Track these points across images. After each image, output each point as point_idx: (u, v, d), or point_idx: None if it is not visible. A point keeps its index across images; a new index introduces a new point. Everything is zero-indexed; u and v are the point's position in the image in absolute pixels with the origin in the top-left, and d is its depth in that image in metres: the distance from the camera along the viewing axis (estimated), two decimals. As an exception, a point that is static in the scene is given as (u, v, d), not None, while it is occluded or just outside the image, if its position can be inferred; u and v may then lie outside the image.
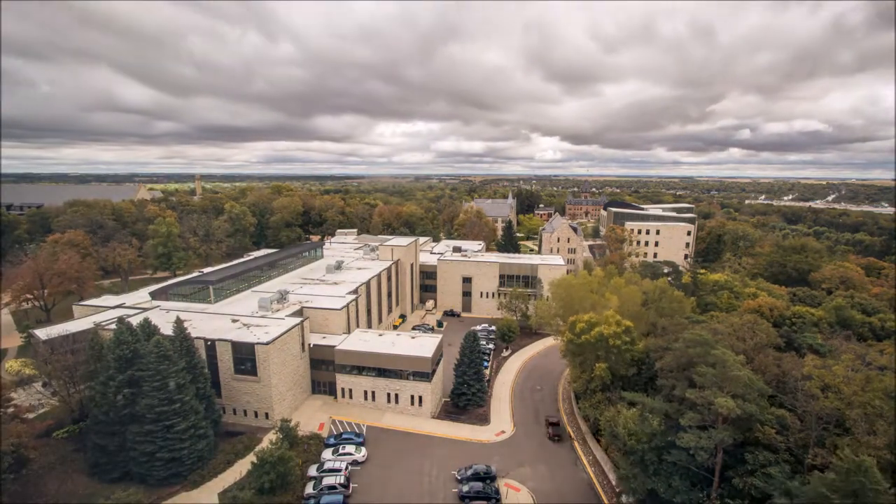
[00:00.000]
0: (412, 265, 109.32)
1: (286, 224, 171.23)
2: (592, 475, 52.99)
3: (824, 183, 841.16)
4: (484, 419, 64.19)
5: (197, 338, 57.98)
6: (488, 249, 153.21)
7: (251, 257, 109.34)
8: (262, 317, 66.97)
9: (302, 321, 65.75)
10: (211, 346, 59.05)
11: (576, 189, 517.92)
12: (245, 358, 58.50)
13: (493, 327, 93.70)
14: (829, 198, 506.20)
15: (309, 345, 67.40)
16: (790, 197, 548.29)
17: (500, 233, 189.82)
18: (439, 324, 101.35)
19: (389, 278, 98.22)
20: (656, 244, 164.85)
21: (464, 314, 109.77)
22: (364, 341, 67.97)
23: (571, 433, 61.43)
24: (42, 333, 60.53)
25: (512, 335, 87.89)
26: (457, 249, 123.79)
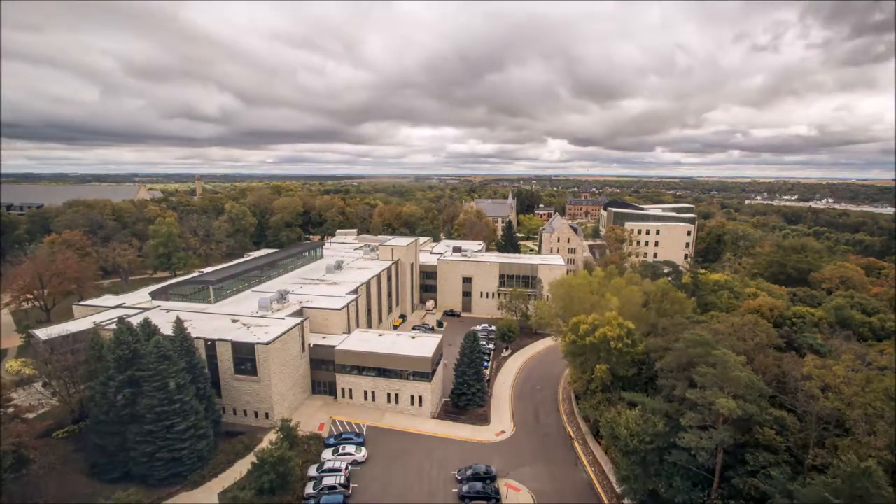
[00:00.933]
0: (412, 265, 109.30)
1: (286, 224, 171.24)
2: (592, 475, 52.98)
3: (824, 183, 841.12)
4: (484, 419, 64.17)
5: (197, 338, 57.96)
6: (488, 249, 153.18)
7: (251, 257, 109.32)
8: (262, 317, 66.95)
9: (302, 321, 65.74)
10: (211, 346, 59.04)
11: (576, 189, 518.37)
12: (245, 358, 58.48)
13: (493, 327, 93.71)
14: (822, 200, 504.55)
15: (309, 345, 67.39)
16: (790, 197, 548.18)
17: (500, 233, 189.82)
18: (439, 324, 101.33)
19: (389, 278, 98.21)
20: (656, 244, 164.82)
21: (464, 314, 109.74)
22: (364, 341, 67.96)
23: (571, 433, 61.42)
24: (42, 333, 60.48)
25: (512, 335, 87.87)
26: (457, 249, 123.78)
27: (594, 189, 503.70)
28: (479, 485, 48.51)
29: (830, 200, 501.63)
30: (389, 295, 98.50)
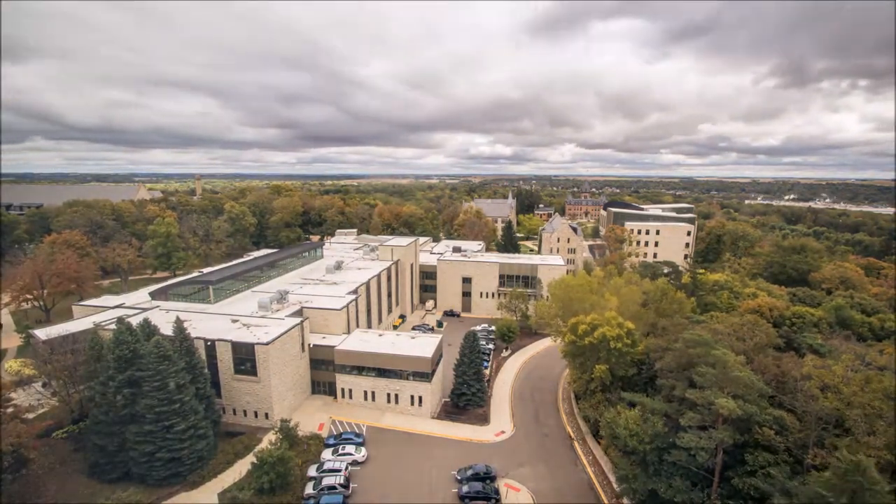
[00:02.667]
0: (412, 265, 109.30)
1: (286, 224, 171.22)
2: (592, 475, 53.00)
3: (824, 183, 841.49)
4: (484, 419, 64.19)
5: (197, 338, 57.98)
6: (488, 249, 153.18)
7: (251, 257, 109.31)
8: (262, 317, 66.95)
9: (302, 321, 65.75)
10: (211, 346, 59.04)
11: (576, 189, 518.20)
12: (245, 358, 58.49)
13: (493, 327, 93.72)
14: (822, 200, 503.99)
15: (309, 345, 67.39)
16: (790, 197, 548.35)
17: (499, 233, 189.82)
18: (439, 324, 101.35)
19: (389, 278, 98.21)
20: (656, 244, 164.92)
21: (464, 314, 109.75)
22: (364, 341, 67.96)
23: (571, 433, 61.45)
24: (42, 333, 60.47)
25: (512, 335, 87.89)
26: (457, 249, 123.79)
27: (594, 189, 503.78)
28: (478, 485, 48.52)
29: (828, 200, 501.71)
30: (389, 295, 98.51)
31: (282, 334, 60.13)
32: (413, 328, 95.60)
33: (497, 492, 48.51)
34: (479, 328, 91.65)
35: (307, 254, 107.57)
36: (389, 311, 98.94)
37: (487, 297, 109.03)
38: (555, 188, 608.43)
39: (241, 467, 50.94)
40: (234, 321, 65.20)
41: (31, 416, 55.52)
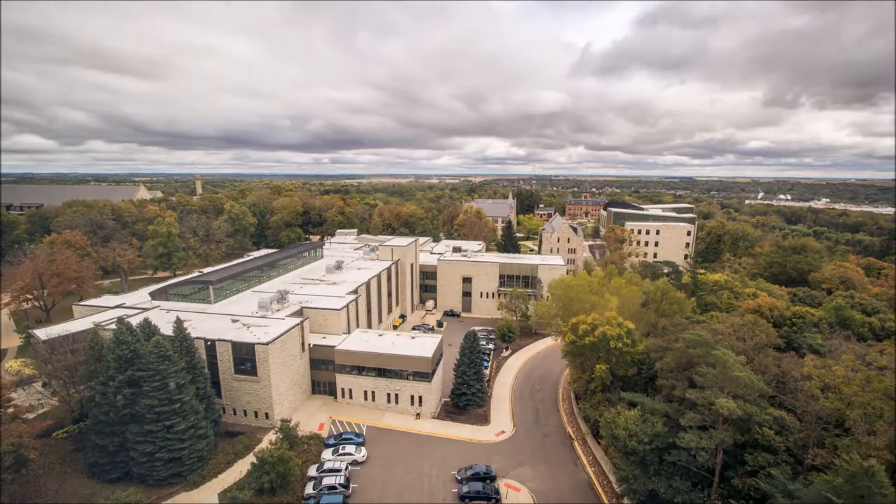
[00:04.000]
0: (412, 265, 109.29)
1: (286, 224, 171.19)
2: (592, 475, 53.00)
3: (824, 183, 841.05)
4: (484, 419, 64.19)
5: (197, 338, 57.96)
6: (488, 249, 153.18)
7: (251, 257, 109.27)
8: (262, 317, 66.95)
9: (302, 321, 65.74)
10: (211, 346, 59.04)
11: (576, 189, 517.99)
12: (245, 358, 58.48)
13: (492, 328, 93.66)
14: (822, 200, 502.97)
15: (309, 345, 67.39)
16: (790, 197, 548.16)
17: (500, 233, 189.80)
18: (439, 324, 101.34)
19: (389, 278, 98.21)
20: (656, 244, 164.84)
21: (464, 314, 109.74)
22: (364, 341, 67.96)
23: (571, 433, 61.43)
24: (42, 333, 60.48)
25: (512, 335, 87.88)
26: (457, 249, 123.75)
27: (594, 189, 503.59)
28: (479, 485, 48.52)
29: (828, 200, 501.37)
30: (389, 295, 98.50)
31: (282, 334, 60.13)
32: (413, 328, 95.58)
33: (497, 492, 48.51)
34: (478, 328, 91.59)
35: (307, 254, 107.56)
36: (389, 311, 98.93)
37: (487, 297, 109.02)
38: (555, 188, 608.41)
39: (241, 467, 50.95)
40: (235, 321, 65.19)
41: (31, 416, 55.54)
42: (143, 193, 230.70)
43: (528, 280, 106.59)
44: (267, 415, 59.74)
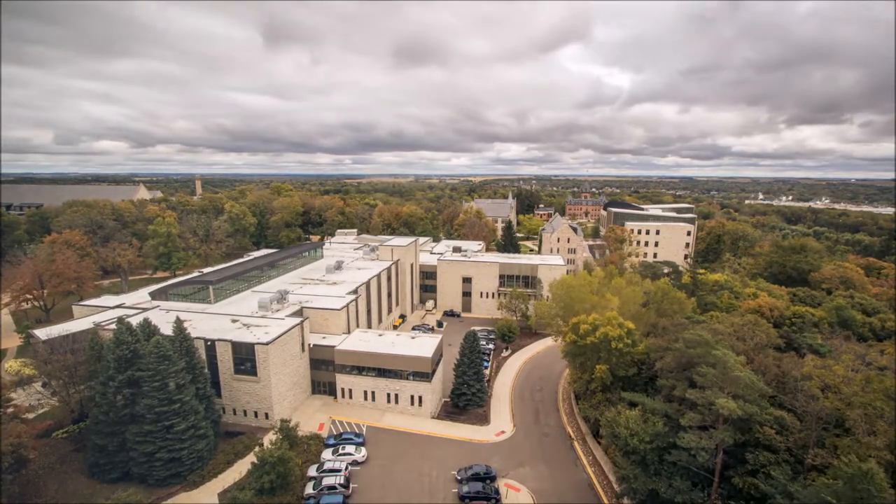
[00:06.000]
0: (412, 265, 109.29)
1: (286, 224, 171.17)
2: (592, 475, 52.98)
3: (824, 183, 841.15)
4: (484, 419, 64.17)
5: (197, 338, 57.94)
6: (488, 249, 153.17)
7: (251, 257, 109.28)
8: (262, 317, 66.92)
9: (302, 321, 65.72)
10: (211, 346, 59.01)
11: (576, 189, 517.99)
12: (245, 358, 58.46)
13: (492, 329, 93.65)
14: (822, 200, 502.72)
15: (309, 345, 67.37)
16: (789, 197, 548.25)
17: (500, 233, 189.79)
18: (439, 324, 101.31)
19: (389, 278, 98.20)
20: (656, 244, 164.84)
21: (464, 314, 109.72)
22: (364, 341, 67.94)
23: (571, 433, 61.43)
24: (42, 333, 60.43)
25: (512, 335, 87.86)
26: (457, 249, 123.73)
27: (594, 189, 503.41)
28: (478, 485, 48.51)
29: (828, 200, 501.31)
30: (389, 295, 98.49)
31: (282, 334, 60.11)
32: (413, 328, 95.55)
33: (497, 492, 48.48)
34: (478, 329, 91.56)
35: (307, 254, 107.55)
36: (389, 311, 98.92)
37: (487, 297, 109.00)
38: (555, 188, 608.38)
39: (241, 467, 50.91)
40: (234, 321, 65.17)
41: (31, 416, 55.58)
42: (142, 193, 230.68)
43: (528, 280, 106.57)
44: (267, 415, 59.73)
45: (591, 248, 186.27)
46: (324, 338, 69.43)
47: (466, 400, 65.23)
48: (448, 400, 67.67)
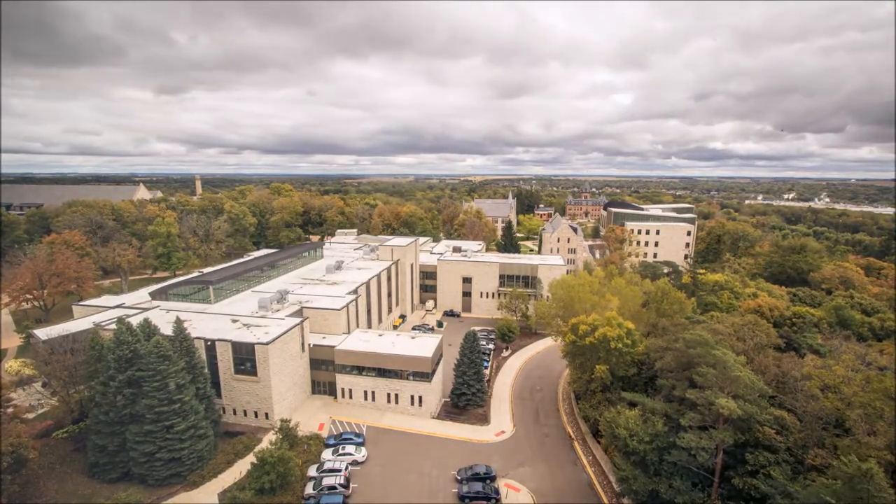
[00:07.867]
0: (412, 265, 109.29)
1: (286, 224, 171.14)
2: (592, 475, 52.99)
3: (824, 183, 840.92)
4: (484, 419, 64.18)
5: (197, 338, 57.94)
6: (488, 249, 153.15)
7: (251, 257, 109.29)
8: (262, 317, 66.94)
9: (302, 321, 65.73)
10: (211, 346, 59.02)
11: (576, 189, 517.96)
12: (245, 358, 58.47)
13: (492, 328, 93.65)
14: (822, 200, 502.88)
15: (309, 345, 67.38)
16: (791, 195, 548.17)
17: (500, 233, 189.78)
18: (439, 324, 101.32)
19: (389, 278, 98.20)
20: (656, 244, 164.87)
21: (464, 314, 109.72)
22: (364, 341, 67.95)
23: (571, 433, 61.44)
24: (42, 333, 60.44)
25: (512, 335, 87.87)
26: (457, 249, 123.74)
27: (594, 189, 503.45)
28: (478, 485, 48.51)
29: (828, 200, 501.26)
30: (389, 295, 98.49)
31: (282, 334, 60.11)
32: (413, 328, 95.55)
33: (497, 492, 48.49)
34: (478, 329, 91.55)
35: (307, 254, 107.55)
36: (389, 311, 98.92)
37: (487, 297, 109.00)
38: (555, 188, 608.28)
39: (241, 467, 50.91)
40: (235, 321, 65.18)
41: (31, 416, 55.61)
42: (142, 193, 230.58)
43: (528, 280, 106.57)
44: (267, 415, 59.73)
45: (591, 248, 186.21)
46: (324, 338, 69.44)
47: (466, 400, 65.24)
48: (448, 400, 67.69)
